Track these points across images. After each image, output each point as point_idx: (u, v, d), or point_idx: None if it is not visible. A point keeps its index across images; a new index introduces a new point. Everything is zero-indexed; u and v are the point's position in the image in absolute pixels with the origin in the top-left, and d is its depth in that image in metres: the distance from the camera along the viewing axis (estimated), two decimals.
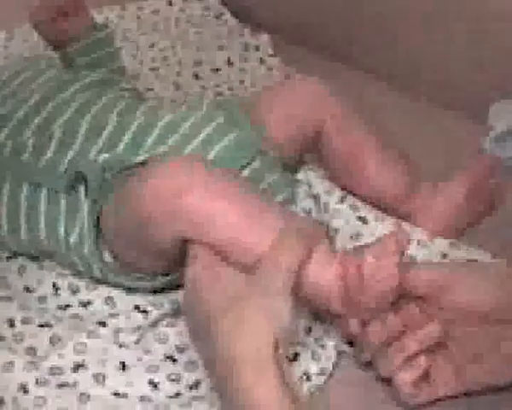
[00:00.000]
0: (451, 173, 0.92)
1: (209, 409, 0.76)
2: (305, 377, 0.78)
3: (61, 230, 0.85)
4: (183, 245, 0.77)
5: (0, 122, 0.89)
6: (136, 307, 0.85)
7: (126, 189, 0.80)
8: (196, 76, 1.15)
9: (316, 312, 0.81)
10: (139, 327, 0.83)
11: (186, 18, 1.25)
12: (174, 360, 0.81)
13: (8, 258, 0.90)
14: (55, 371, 0.79)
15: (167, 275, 0.84)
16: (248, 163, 0.88)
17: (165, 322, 0.84)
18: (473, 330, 0.75)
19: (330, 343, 0.81)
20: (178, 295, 0.84)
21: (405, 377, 0.76)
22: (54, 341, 0.81)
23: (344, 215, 0.89)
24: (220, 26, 1.24)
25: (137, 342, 0.82)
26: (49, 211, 0.85)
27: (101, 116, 0.89)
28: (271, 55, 1.18)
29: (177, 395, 0.78)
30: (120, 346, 0.81)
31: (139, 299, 0.85)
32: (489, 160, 0.95)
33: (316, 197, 0.92)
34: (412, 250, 0.87)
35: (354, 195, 0.91)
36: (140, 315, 0.84)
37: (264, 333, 0.69)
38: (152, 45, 1.20)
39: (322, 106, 0.92)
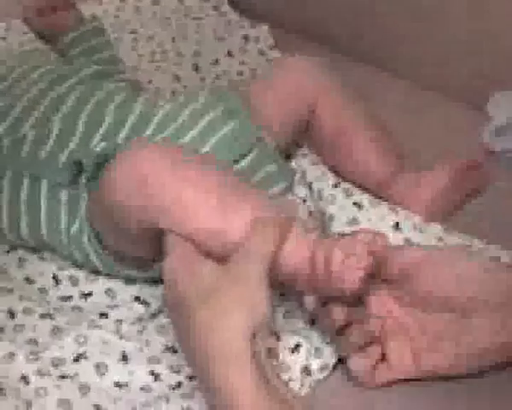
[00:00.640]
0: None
1: None
2: (305, 372, 0.78)
3: (62, 222, 0.85)
4: (162, 233, 0.75)
5: None
6: (137, 299, 0.85)
7: (102, 178, 0.79)
8: (196, 68, 1.15)
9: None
10: (140, 318, 0.84)
11: (185, 10, 1.25)
12: (175, 351, 0.80)
13: (9, 250, 0.90)
14: (55, 362, 0.79)
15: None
16: (246, 154, 0.88)
17: (165, 313, 0.84)
18: (435, 316, 0.75)
19: None
20: None
21: (359, 365, 0.76)
22: (55, 332, 0.81)
23: (338, 201, 0.90)
24: (219, 17, 1.23)
25: (138, 333, 0.82)
26: (49, 204, 0.85)
27: (100, 109, 0.89)
28: (271, 47, 1.18)
29: (178, 385, 0.78)
30: (121, 337, 0.81)
31: (139, 290, 0.86)
32: (475, 161, 0.95)
33: (310, 184, 0.92)
34: (408, 233, 0.87)
35: (343, 178, 0.92)
36: (141, 306, 0.84)
37: (238, 326, 0.68)
38: (151, 37, 1.20)
39: (313, 84, 0.93)
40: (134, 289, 0.86)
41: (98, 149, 0.84)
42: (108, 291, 0.86)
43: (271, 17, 1.21)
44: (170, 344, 0.81)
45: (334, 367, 0.79)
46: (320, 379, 0.78)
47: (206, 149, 0.86)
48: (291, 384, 0.77)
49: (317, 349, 0.79)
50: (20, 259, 0.89)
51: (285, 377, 0.77)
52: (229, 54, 1.16)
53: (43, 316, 0.83)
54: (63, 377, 0.78)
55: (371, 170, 0.92)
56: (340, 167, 0.93)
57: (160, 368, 0.79)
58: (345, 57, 1.11)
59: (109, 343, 0.81)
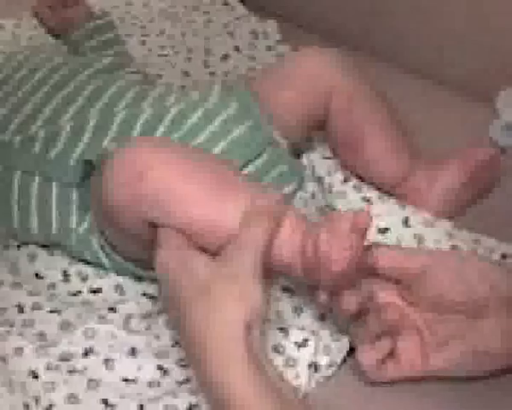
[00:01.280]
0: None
1: None
2: (313, 369, 0.78)
3: (73, 222, 0.85)
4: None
5: (8, 116, 0.89)
6: (145, 294, 0.85)
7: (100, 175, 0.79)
8: (205, 63, 1.15)
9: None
10: (148, 313, 0.84)
11: (193, 5, 1.25)
12: None
13: (19, 245, 0.90)
14: (64, 356, 0.79)
15: None
16: (257, 156, 0.87)
17: None
18: (445, 318, 0.75)
19: (345, 339, 0.80)
20: None
21: (368, 357, 0.76)
22: (64, 327, 0.82)
23: (348, 196, 0.90)
24: (228, 12, 1.23)
25: (147, 328, 0.83)
26: (60, 204, 0.85)
27: (110, 108, 0.89)
28: (280, 42, 1.18)
29: (186, 380, 0.78)
30: (130, 332, 0.81)
31: (147, 287, 0.86)
32: (489, 151, 0.95)
33: (319, 179, 0.91)
34: (419, 230, 0.87)
35: (356, 175, 0.92)
36: (149, 301, 0.85)
37: (233, 320, 0.68)
38: (160, 32, 1.20)
39: (327, 78, 0.91)
40: (143, 286, 0.86)
41: (109, 149, 0.84)
42: (117, 287, 0.86)
43: (279, 12, 1.21)
44: (178, 339, 0.81)
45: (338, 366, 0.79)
46: (327, 376, 0.78)
47: (217, 150, 0.86)
48: (298, 380, 0.77)
49: (325, 346, 0.79)
50: (30, 254, 0.89)
51: (292, 372, 0.77)
52: (238, 49, 1.16)
53: (52, 311, 0.83)
54: (72, 371, 0.78)
55: (381, 170, 0.91)
56: (351, 164, 0.93)
57: (168, 363, 0.79)
58: (354, 52, 1.11)
59: (118, 338, 0.81)
